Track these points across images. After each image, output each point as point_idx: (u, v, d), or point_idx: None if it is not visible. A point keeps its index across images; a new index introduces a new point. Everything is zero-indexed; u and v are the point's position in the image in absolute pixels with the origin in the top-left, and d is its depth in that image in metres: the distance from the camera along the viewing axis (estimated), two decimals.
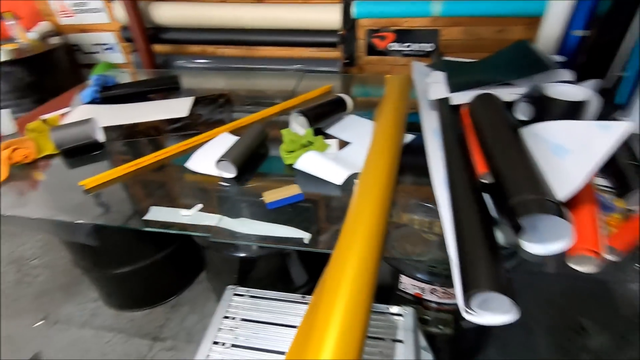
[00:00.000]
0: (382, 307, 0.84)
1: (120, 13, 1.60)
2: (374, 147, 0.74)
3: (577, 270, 0.52)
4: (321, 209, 0.71)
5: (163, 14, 1.64)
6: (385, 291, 0.96)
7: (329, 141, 0.87)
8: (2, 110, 1.01)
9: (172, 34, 1.70)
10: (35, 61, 1.67)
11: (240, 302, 0.89)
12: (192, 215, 0.69)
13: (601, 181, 0.64)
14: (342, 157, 0.81)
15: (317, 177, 0.75)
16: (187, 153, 0.87)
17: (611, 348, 0.99)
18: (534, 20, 1.28)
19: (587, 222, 0.54)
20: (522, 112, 0.79)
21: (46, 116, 1.05)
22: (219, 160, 0.77)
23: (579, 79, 0.87)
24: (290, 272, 1.10)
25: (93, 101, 1.16)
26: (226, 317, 0.85)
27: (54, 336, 1.29)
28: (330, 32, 1.51)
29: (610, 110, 0.83)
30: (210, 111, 1.11)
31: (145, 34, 1.65)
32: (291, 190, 0.71)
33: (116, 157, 0.92)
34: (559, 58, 1.01)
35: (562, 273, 0.51)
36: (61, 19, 1.82)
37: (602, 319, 0.99)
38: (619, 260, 0.52)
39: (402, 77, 1.04)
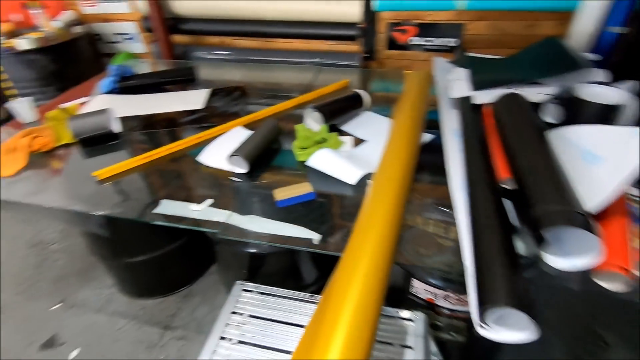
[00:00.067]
0: (392, 310, 0.82)
1: (141, 3, 1.61)
2: (390, 146, 0.72)
3: (604, 288, 0.48)
4: (333, 209, 0.69)
5: (183, 5, 1.64)
6: (396, 294, 0.93)
7: (343, 138, 0.85)
8: (23, 99, 1.03)
9: (191, 25, 1.70)
10: (59, 50, 1.70)
11: (248, 298, 0.88)
12: (201, 210, 0.69)
13: (635, 191, 0.59)
14: (357, 155, 0.79)
15: (330, 176, 0.73)
16: (201, 146, 0.86)
17: None
18: (565, 15, 1.21)
19: (617, 236, 0.50)
20: (550, 114, 0.74)
21: (65, 105, 1.06)
22: (231, 155, 0.75)
23: (614, 79, 0.81)
24: (301, 269, 1.09)
25: (111, 91, 1.17)
26: (234, 313, 0.85)
27: (69, 320, 1.32)
28: (350, 25, 1.47)
29: None
30: (226, 104, 1.10)
31: (165, 25, 1.65)
32: (302, 189, 0.70)
33: (131, 148, 0.93)
34: (592, 56, 0.95)
35: (587, 290, 0.48)
36: (84, 8, 1.84)
37: (627, 332, 0.94)
38: None
39: (422, 73, 1.01)
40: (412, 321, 0.79)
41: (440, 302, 0.84)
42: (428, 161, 0.78)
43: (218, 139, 0.87)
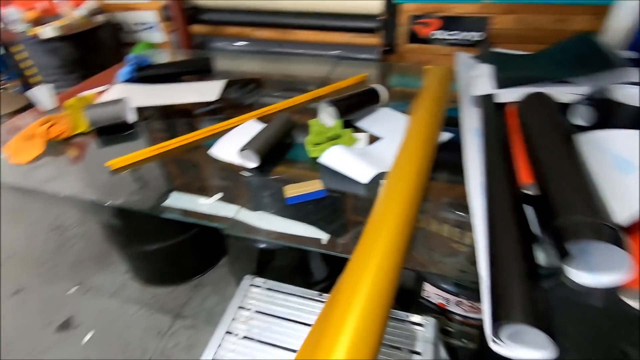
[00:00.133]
0: (401, 314, 0.79)
1: None
2: (406, 145, 0.69)
3: (631, 307, 0.45)
4: (343, 208, 0.67)
5: None
6: (406, 296, 0.91)
7: (358, 135, 0.82)
8: (43, 86, 1.05)
9: (210, 15, 1.69)
10: (82, 38, 1.73)
11: (256, 293, 0.87)
12: (210, 205, 0.68)
13: None
14: (371, 153, 0.76)
15: (342, 174, 0.71)
16: (213, 138, 0.85)
17: None
18: (600, 10, 1.13)
19: None
20: (580, 117, 0.70)
21: (83, 94, 1.07)
22: (242, 149, 0.74)
23: None
24: (310, 266, 1.08)
25: (129, 80, 1.18)
26: (241, 308, 0.84)
27: (85, 303, 1.36)
28: (370, 17, 1.43)
29: None
30: (241, 96, 1.09)
31: (184, 14, 1.65)
32: (313, 186, 0.68)
33: (145, 138, 0.93)
34: (629, 54, 0.89)
35: (612, 308, 0.45)
36: None
37: None
38: None
39: (443, 68, 0.96)
40: (422, 326, 0.77)
41: (452, 308, 0.81)
42: (445, 161, 0.75)
43: (230, 132, 0.86)
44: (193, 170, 0.81)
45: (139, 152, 0.82)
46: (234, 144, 0.79)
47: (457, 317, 0.82)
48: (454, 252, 0.59)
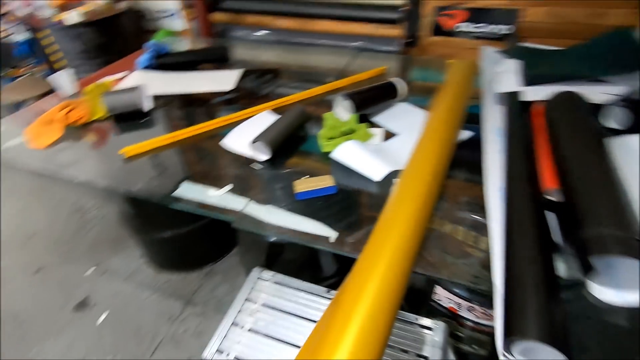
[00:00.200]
0: (410, 316, 0.77)
1: None
2: (423, 142, 0.66)
3: None
4: (354, 206, 0.65)
5: None
6: (416, 297, 0.89)
7: (373, 130, 0.80)
8: (64, 71, 1.06)
9: (230, 3, 1.68)
10: (105, 24, 1.75)
11: (264, 286, 0.87)
12: (219, 197, 0.67)
13: None
14: (386, 149, 0.73)
15: (354, 170, 0.69)
16: (227, 129, 0.84)
17: None
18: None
19: None
20: (613, 119, 0.65)
21: (102, 80, 1.08)
22: (254, 141, 0.73)
23: None
24: (320, 261, 1.07)
25: (148, 67, 1.18)
26: (248, 300, 0.84)
27: (101, 285, 1.40)
28: (392, 8, 1.38)
29: None
30: (257, 86, 1.08)
31: (205, 2, 1.64)
32: (324, 182, 0.66)
33: (159, 126, 0.93)
34: None
35: (638, 329, 0.41)
36: None
37: None
38: None
39: (466, 63, 0.92)
40: (431, 330, 0.75)
41: (464, 313, 0.79)
42: (464, 160, 0.71)
43: (244, 123, 0.85)
44: (205, 161, 0.81)
45: (152, 140, 0.82)
46: (247, 136, 0.78)
47: (469, 323, 0.80)
48: (467, 256, 0.56)
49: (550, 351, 0.37)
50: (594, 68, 0.75)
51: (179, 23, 1.91)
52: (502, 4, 1.26)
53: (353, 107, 0.80)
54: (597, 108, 0.67)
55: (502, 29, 1.29)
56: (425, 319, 0.76)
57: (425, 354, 0.71)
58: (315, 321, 0.78)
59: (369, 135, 0.77)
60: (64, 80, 1.06)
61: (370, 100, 0.85)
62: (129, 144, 0.80)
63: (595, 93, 0.69)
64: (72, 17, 1.64)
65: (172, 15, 1.87)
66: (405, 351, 0.72)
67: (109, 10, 1.76)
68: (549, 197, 0.53)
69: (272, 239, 0.97)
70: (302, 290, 0.85)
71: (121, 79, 1.13)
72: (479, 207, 0.60)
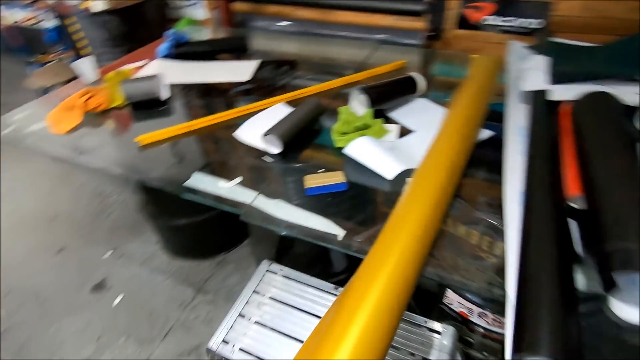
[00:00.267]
0: (419, 319, 0.76)
1: None
2: (439, 141, 0.63)
3: None
4: (364, 204, 0.63)
5: None
6: (427, 299, 0.87)
7: (389, 126, 0.77)
8: (87, 58, 1.08)
9: None
10: (129, 12, 1.77)
11: (272, 279, 0.87)
12: (229, 188, 0.67)
13: None
14: (400, 147, 0.71)
15: (367, 167, 0.67)
16: (241, 120, 0.84)
17: None
18: None
19: None
20: None
21: (123, 68, 1.10)
22: (266, 134, 0.72)
23: None
24: (331, 256, 1.06)
25: (167, 56, 1.19)
26: (256, 292, 0.84)
27: (118, 268, 1.44)
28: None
29: None
30: (273, 77, 1.07)
31: None
32: (334, 178, 0.65)
33: (175, 115, 0.93)
34: None
35: None
36: None
37: None
38: None
39: (491, 58, 0.88)
40: (440, 334, 0.73)
41: (475, 319, 0.76)
42: (483, 160, 0.68)
43: (257, 115, 0.85)
44: (217, 152, 0.81)
45: (167, 129, 0.82)
46: (260, 128, 0.77)
47: (480, 329, 0.77)
48: (480, 261, 0.54)
49: None
50: (630, 67, 0.70)
51: (201, 12, 1.91)
52: None
53: (368, 102, 0.77)
54: (631, 110, 0.63)
55: (532, 22, 1.22)
56: (434, 322, 0.74)
57: (432, 358, 0.70)
58: (321, 317, 0.77)
59: (383, 132, 0.75)
60: (86, 67, 1.07)
61: (387, 95, 0.82)
62: (145, 132, 0.81)
63: (630, 94, 0.64)
64: (98, 5, 1.66)
65: (195, 4, 1.88)
66: (412, 354, 0.70)
67: None
68: (571, 204, 0.50)
69: (283, 232, 0.97)
70: (310, 285, 0.84)
71: (141, 67, 1.15)
72: (496, 210, 0.58)
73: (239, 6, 1.73)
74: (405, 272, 0.45)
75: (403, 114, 0.83)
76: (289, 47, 1.44)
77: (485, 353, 0.80)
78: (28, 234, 1.61)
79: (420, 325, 0.75)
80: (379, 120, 0.75)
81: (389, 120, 0.80)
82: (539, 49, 0.89)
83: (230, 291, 1.32)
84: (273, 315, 0.79)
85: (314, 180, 0.65)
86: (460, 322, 0.79)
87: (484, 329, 0.76)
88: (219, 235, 1.44)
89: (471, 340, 0.80)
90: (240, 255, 1.45)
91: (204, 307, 1.28)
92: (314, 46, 1.41)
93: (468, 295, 0.75)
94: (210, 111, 0.89)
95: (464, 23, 1.33)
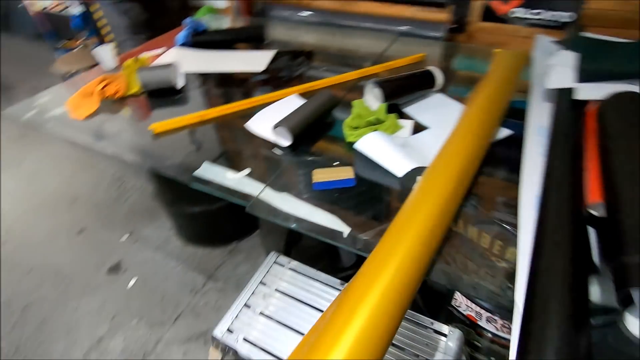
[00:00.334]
0: (425, 320, 0.74)
1: None
2: (453, 139, 0.61)
3: None
4: (372, 201, 0.62)
5: None
6: (435, 299, 0.85)
7: (403, 122, 0.75)
8: (106, 45, 1.10)
9: None
10: (151, 0, 1.79)
11: (279, 271, 0.87)
12: (237, 180, 0.66)
13: None
14: (413, 144, 0.69)
15: (377, 163, 0.65)
16: (254, 111, 0.83)
17: None
18: None
19: None
20: None
21: (141, 55, 1.11)
22: (276, 126, 0.71)
23: None
24: (339, 251, 1.05)
25: (185, 44, 1.19)
26: (262, 284, 0.85)
27: (133, 251, 1.48)
28: None
29: None
30: (288, 68, 1.05)
31: None
32: (343, 173, 0.63)
33: (189, 104, 0.94)
34: None
35: None
36: None
37: None
38: None
39: (514, 53, 0.84)
40: (446, 337, 0.71)
41: (483, 324, 0.74)
42: (499, 160, 0.66)
43: (270, 106, 0.84)
44: (228, 142, 0.81)
45: (180, 118, 0.83)
46: (271, 119, 0.76)
47: (488, 334, 0.75)
48: (490, 266, 0.52)
49: None
50: None
51: (221, 1, 1.91)
52: None
53: (382, 96, 0.75)
54: None
55: (563, 16, 1.16)
56: (441, 324, 0.72)
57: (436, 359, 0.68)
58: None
59: (397, 127, 0.73)
60: (106, 54, 1.09)
61: (403, 89, 0.80)
62: (159, 120, 0.82)
63: None
64: None
65: None
66: (416, 355, 0.69)
67: None
68: (591, 211, 0.47)
69: (292, 225, 0.96)
70: (317, 279, 0.84)
71: (159, 55, 1.15)
72: (511, 212, 0.55)
73: None
74: (408, 274, 0.43)
75: (418, 109, 0.80)
76: (308, 38, 1.42)
77: (492, 359, 0.78)
78: (50, 215, 1.68)
79: (426, 327, 0.73)
80: (392, 115, 0.73)
81: (403, 116, 0.78)
82: (567, 44, 0.85)
83: (239, 280, 1.33)
84: (278, 308, 0.79)
85: (322, 175, 0.64)
86: (468, 326, 0.77)
87: (493, 334, 0.74)
88: (231, 224, 1.46)
89: (479, 344, 0.78)
90: (251, 245, 1.46)
91: (213, 294, 1.30)
92: (333, 37, 1.38)
93: (477, 298, 0.73)
94: (224, 101, 0.89)
95: (489, 15, 1.28)
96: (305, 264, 0.89)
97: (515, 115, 0.74)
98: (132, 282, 1.36)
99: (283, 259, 0.89)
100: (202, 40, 1.17)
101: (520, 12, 1.23)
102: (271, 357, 0.72)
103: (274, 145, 0.74)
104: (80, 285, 1.36)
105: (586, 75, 0.69)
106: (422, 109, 0.80)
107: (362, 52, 1.21)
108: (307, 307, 0.79)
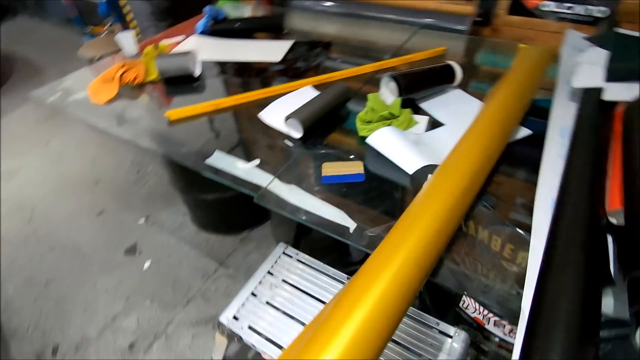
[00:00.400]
0: (431, 320, 0.73)
1: None
2: (468, 137, 0.59)
3: None
4: (380, 197, 0.61)
5: None
6: (443, 299, 0.83)
7: (417, 117, 0.73)
8: (128, 32, 1.11)
9: None
10: None
11: (287, 262, 0.88)
12: (246, 170, 0.67)
13: None
14: (426, 141, 0.67)
15: (388, 159, 0.64)
16: (267, 101, 0.83)
17: None
18: None
19: None
20: None
21: (161, 42, 1.12)
22: (287, 117, 0.71)
23: None
24: (348, 245, 1.04)
25: (204, 33, 1.20)
26: (270, 274, 0.85)
27: (149, 234, 1.52)
28: None
29: None
30: (305, 59, 1.04)
31: None
32: (352, 168, 0.63)
33: (205, 93, 0.94)
34: None
35: None
36: None
37: None
38: None
39: (540, 49, 0.80)
40: (451, 338, 0.70)
41: (491, 327, 0.72)
42: (516, 160, 0.64)
43: (283, 97, 0.83)
44: (241, 132, 0.81)
45: (195, 106, 0.83)
46: (283, 110, 0.76)
47: (495, 339, 0.73)
48: (500, 270, 0.50)
49: None
50: None
51: None
52: None
53: (398, 90, 0.73)
54: None
55: (597, 11, 1.10)
56: (446, 325, 0.71)
57: None
58: None
59: (411, 123, 0.71)
60: (127, 40, 1.11)
61: (420, 83, 0.77)
62: (176, 107, 0.83)
63: None
64: None
65: None
66: (419, 354, 0.69)
67: None
68: (611, 219, 0.45)
69: (303, 218, 0.96)
70: (324, 272, 0.84)
71: (179, 42, 1.16)
72: (526, 215, 0.53)
73: None
74: (410, 273, 0.42)
75: (435, 105, 0.78)
76: (327, 28, 1.40)
77: None
78: (73, 196, 1.74)
79: (431, 327, 0.72)
80: (406, 111, 0.72)
81: (418, 111, 0.76)
82: (599, 40, 0.80)
83: (250, 268, 1.35)
84: (283, 298, 0.80)
85: (332, 169, 0.63)
86: (475, 329, 0.75)
87: (500, 339, 0.72)
88: (244, 212, 1.47)
89: (485, 348, 0.77)
90: (263, 234, 1.47)
91: (224, 280, 1.32)
92: (353, 28, 1.36)
93: (485, 301, 0.71)
94: (239, 90, 0.89)
95: (518, 8, 1.22)
96: (315, 256, 0.89)
97: (537, 114, 0.71)
98: (147, 265, 1.40)
99: (291, 250, 0.90)
100: (221, 28, 1.17)
101: (552, 6, 1.17)
102: (274, 347, 0.72)
103: (286, 137, 0.73)
104: (98, 265, 1.42)
105: (616, 74, 0.66)
106: (439, 104, 0.78)
107: (381, 44, 1.18)
108: (313, 299, 0.79)
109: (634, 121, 0.51)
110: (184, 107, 0.83)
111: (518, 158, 0.65)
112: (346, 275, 0.83)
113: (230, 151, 0.73)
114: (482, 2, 1.24)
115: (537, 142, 0.63)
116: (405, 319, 0.74)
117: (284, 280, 0.83)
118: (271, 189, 0.63)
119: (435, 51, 0.99)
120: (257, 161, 0.68)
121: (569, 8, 1.15)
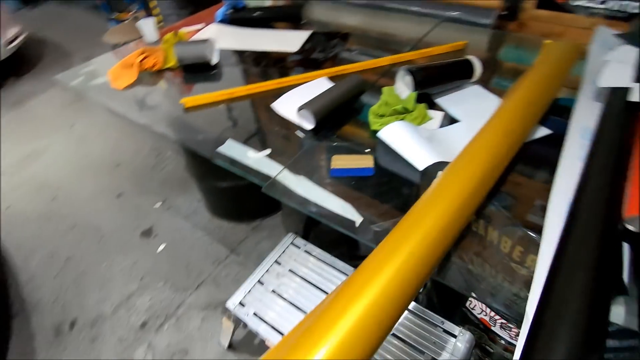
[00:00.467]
0: (436, 318, 0.73)
1: None
2: (483, 135, 0.57)
3: None
4: (388, 192, 0.60)
5: None
6: (451, 298, 0.82)
7: (432, 113, 0.72)
8: (149, 19, 1.13)
9: None
10: None
11: (294, 252, 0.88)
12: (257, 159, 0.67)
13: None
14: (439, 137, 0.66)
15: (399, 154, 0.63)
16: (282, 91, 0.83)
17: None
18: None
19: None
20: None
21: (181, 30, 1.13)
22: (300, 108, 0.71)
23: None
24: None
25: (223, 21, 1.20)
26: (277, 263, 0.86)
27: (165, 218, 1.56)
28: None
29: None
30: (322, 50, 1.03)
31: None
32: (362, 162, 0.62)
33: (222, 81, 0.95)
34: None
35: None
36: None
37: None
38: None
39: (566, 45, 0.76)
40: (455, 337, 0.69)
41: (497, 330, 0.71)
42: (532, 160, 0.62)
43: (297, 88, 0.83)
44: (254, 121, 0.81)
45: (211, 94, 0.84)
46: (297, 101, 0.75)
47: (501, 341, 0.72)
48: (509, 272, 0.50)
49: None
50: None
51: None
52: None
53: (413, 84, 0.72)
54: None
55: (632, 6, 1.04)
56: (451, 324, 0.71)
57: (441, 359, 0.67)
58: None
59: (425, 118, 0.70)
60: (148, 27, 1.12)
61: (437, 78, 0.76)
62: (192, 94, 0.84)
63: None
64: None
65: None
66: (421, 352, 0.68)
67: None
68: (627, 226, 0.43)
69: (313, 210, 0.97)
70: (330, 265, 0.84)
71: (198, 30, 1.17)
72: (541, 217, 0.52)
73: None
74: (412, 271, 0.42)
75: (452, 100, 0.76)
76: (348, 19, 1.38)
77: None
78: (94, 177, 1.80)
79: (436, 325, 0.72)
80: (421, 105, 0.70)
81: (434, 106, 0.75)
82: (630, 37, 0.76)
83: (260, 256, 1.36)
84: (289, 287, 0.81)
85: (341, 162, 0.63)
86: (482, 330, 0.74)
87: (506, 341, 0.71)
88: (256, 201, 1.49)
89: (491, 349, 0.75)
90: (275, 223, 1.49)
91: (234, 267, 1.35)
92: (374, 19, 1.33)
93: (492, 303, 0.70)
94: (255, 80, 0.89)
95: (547, 2, 1.17)
96: (324, 248, 0.89)
97: (559, 112, 0.68)
98: (161, 247, 1.44)
99: (299, 240, 0.90)
100: (240, 17, 1.17)
101: (584, 0, 1.12)
102: (277, 334, 0.74)
103: (298, 128, 0.73)
104: (115, 245, 1.47)
105: None
106: (455, 100, 0.76)
107: (400, 36, 1.16)
108: (318, 290, 0.80)
109: None
110: (199, 95, 0.84)
111: (537, 158, 0.63)
112: (352, 269, 0.83)
113: (246, 141, 0.73)
114: None
115: (557, 142, 0.61)
116: (409, 316, 0.73)
117: (290, 270, 0.84)
118: (280, 179, 0.63)
119: (455, 45, 0.97)
120: (267, 151, 0.68)
121: (601, 2, 1.09)
